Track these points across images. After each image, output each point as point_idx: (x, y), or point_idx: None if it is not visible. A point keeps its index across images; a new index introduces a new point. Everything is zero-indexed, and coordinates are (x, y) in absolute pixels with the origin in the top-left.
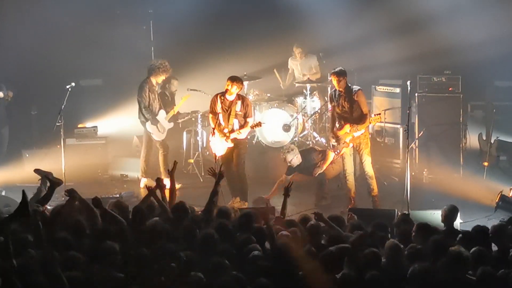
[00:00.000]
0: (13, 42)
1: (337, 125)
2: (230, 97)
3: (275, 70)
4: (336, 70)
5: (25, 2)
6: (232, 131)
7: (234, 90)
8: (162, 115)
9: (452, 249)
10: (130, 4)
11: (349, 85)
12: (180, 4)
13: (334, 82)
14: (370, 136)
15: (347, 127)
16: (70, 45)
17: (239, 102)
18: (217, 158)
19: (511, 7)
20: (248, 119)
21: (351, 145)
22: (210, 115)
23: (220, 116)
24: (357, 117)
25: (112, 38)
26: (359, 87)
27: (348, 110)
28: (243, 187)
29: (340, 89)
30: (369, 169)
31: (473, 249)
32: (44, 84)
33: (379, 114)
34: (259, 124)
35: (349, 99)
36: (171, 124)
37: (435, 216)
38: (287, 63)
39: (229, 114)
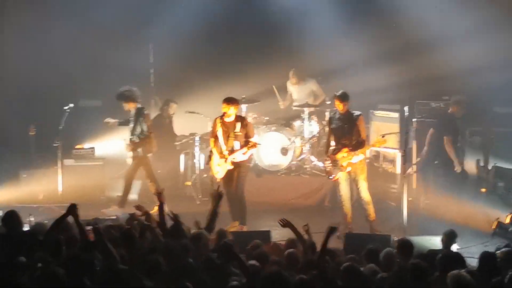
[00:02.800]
0: (12, 62)
1: (331, 148)
2: (229, 119)
3: (274, 87)
4: (339, 93)
5: (25, 22)
6: (231, 152)
7: (231, 111)
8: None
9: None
10: (130, 25)
11: (350, 109)
12: (180, 27)
13: (338, 106)
14: (368, 160)
15: (344, 151)
16: (69, 66)
17: (239, 123)
18: (217, 181)
19: (510, 33)
20: (251, 140)
21: (348, 169)
22: (211, 139)
23: (221, 139)
24: (356, 142)
25: (111, 59)
26: (360, 112)
27: (348, 134)
28: (242, 210)
29: (342, 113)
30: (365, 194)
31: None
32: (43, 105)
33: (384, 136)
34: (254, 145)
35: (349, 123)
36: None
37: (432, 242)
38: (284, 85)
39: (228, 136)
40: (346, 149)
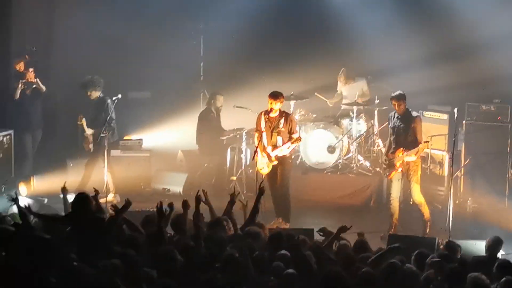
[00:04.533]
0: (64, 53)
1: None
2: (273, 114)
3: (316, 94)
4: (395, 94)
5: (77, 14)
6: (274, 148)
7: (277, 106)
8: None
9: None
10: (181, 18)
11: (409, 109)
12: (231, 21)
13: (394, 106)
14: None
15: (399, 152)
16: (120, 57)
17: (283, 119)
18: (262, 176)
19: None
20: (293, 135)
21: (400, 169)
22: (256, 134)
23: (264, 134)
24: (410, 143)
25: (162, 51)
26: (418, 114)
27: (403, 134)
28: (285, 208)
29: (399, 113)
30: (417, 196)
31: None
32: None
33: (427, 141)
34: (298, 139)
35: (405, 123)
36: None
37: (477, 246)
38: (334, 83)
39: (272, 131)
40: (401, 150)
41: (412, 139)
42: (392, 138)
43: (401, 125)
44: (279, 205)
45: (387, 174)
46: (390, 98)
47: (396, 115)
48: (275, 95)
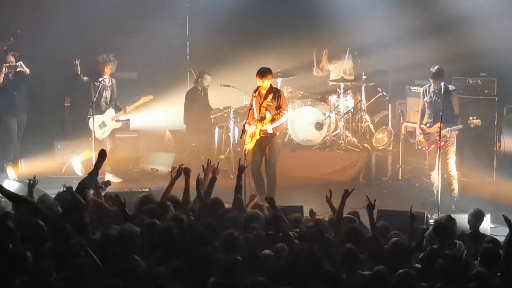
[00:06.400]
0: (49, 34)
1: (429, 121)
2: (263, 90)
3: (313, 53)
4: (434, 70)
5: None
6: (261, 120)
7: (266, 84)
8: (109, 114)
9: None
10: None
11: (445, 84)
12: (216, 0)
13: (432, 82)
14: (402, 137)
15: (437, 125)
16: (105, 38)
17: (271, 94)
18: (246, 152)
19: None
20: (282, 111)
21: (443, 143)
22: (249, 111)
23: (255, 109)
24: (447, 116)
25: (148, 31)
26: (454, 88)
27: (439, 107)
28: (271, 185)
29: (436, 87)
30: (452, 167)
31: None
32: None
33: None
34: (278, 114)
35: (442, 97)
36: (118, 124)
37: (465, 220)
38: (320, 59)
39: (260, 106)
40: (438, 124)
41: (449, 112)
42: (428, 112)
43: (438, 100)
44: (259, 182)
45: (426, 148)
46: (428, 73)
47: (432, 88)
48: (261, 73)
